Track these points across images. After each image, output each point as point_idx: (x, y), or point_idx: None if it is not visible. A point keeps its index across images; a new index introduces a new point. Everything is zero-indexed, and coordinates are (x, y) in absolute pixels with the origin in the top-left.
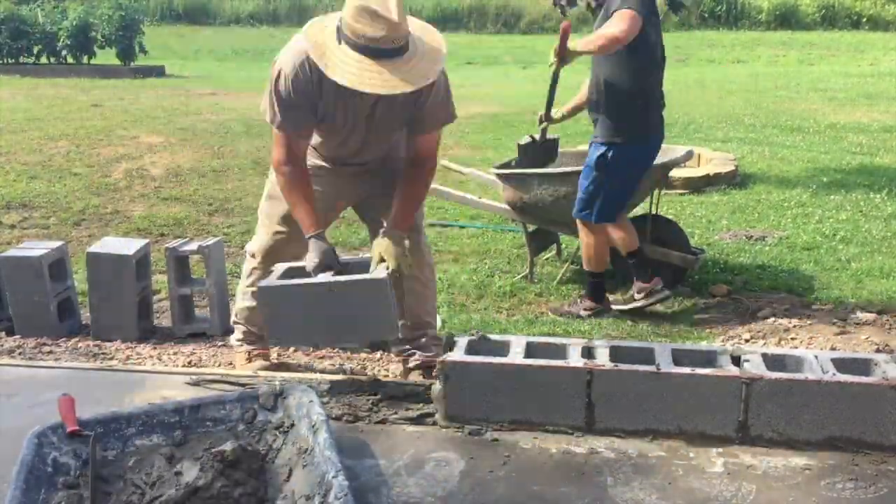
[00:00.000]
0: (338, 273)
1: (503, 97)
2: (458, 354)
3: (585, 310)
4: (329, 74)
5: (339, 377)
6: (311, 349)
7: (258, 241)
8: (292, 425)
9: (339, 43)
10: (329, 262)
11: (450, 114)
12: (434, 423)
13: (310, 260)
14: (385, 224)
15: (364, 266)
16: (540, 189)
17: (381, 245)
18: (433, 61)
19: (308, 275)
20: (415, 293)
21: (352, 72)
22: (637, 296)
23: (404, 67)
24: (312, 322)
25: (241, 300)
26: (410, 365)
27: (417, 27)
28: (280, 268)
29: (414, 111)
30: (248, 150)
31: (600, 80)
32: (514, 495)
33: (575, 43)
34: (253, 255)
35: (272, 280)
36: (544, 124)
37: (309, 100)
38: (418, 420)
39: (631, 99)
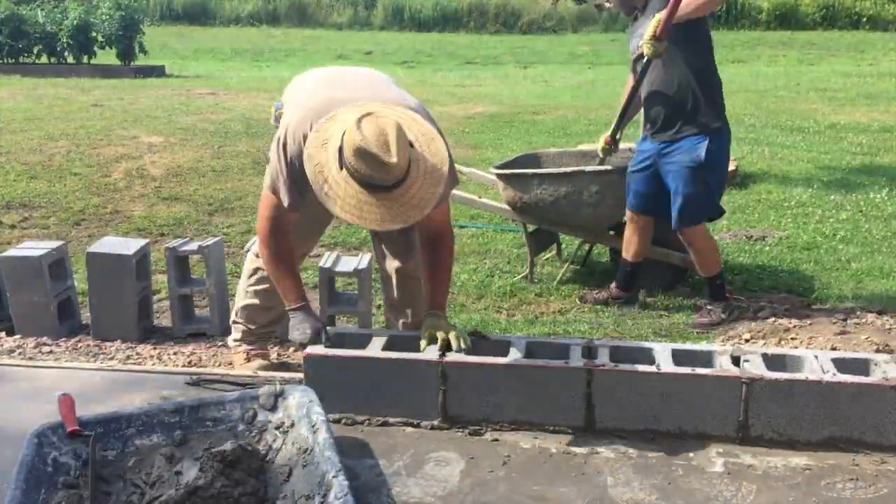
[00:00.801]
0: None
1: (503, 97)
2: (458, 354)
3: (723, 312)
4: (328, 206)
5: None
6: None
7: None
8: (292, 425)
9: (341, 168)
10: (318, 336)
11: (453, 182)
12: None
13: (299, 332)
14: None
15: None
16: (540, 189)
17: (433, 327)
18: (434, 182)
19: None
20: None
21: (353, 206)
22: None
23: (403, 199)
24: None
25: (243, 299)
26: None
27: (421, 139)
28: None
29: None
30: (248, 149)
31: (680, 70)
32: (514, 495)
33: (661, 17)
34: (257, 255)
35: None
36: (608, 152)
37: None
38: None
39: (718, 81)
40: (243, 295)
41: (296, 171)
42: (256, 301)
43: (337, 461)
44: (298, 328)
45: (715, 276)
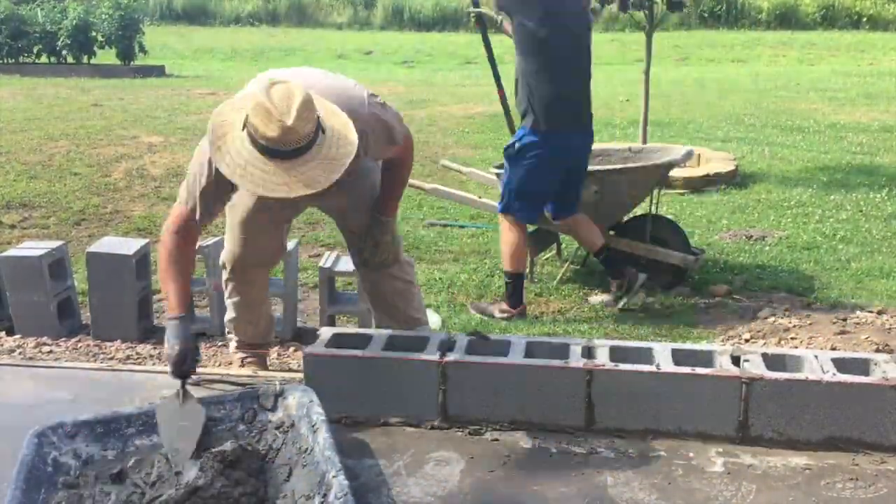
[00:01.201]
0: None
1: None
2: (458, 354)
3: (501, 311)
4: (215, 161)
5: None
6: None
7: (225, 251)
8: (292, 425)
9: (243, 129)
10: (189, 354)
11: (401, 133)
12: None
13: (168, 347)
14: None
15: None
16: None
17: (375, 229)
18: (329, 170)
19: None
20: (401, 293)
21: (241, 168)
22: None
23: (292, 171)
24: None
25: (227, 311)
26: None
27: (336, 126)
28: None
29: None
30: None
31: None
32: (514, 495)
33: None
34: (224, 266)
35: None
36: None
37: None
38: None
39: (540, 86)
40: (227, 307)
41: (218, 176)
42: (235, 314)
43: (337, 461)
44: (169, 341)
45: (509, 273)
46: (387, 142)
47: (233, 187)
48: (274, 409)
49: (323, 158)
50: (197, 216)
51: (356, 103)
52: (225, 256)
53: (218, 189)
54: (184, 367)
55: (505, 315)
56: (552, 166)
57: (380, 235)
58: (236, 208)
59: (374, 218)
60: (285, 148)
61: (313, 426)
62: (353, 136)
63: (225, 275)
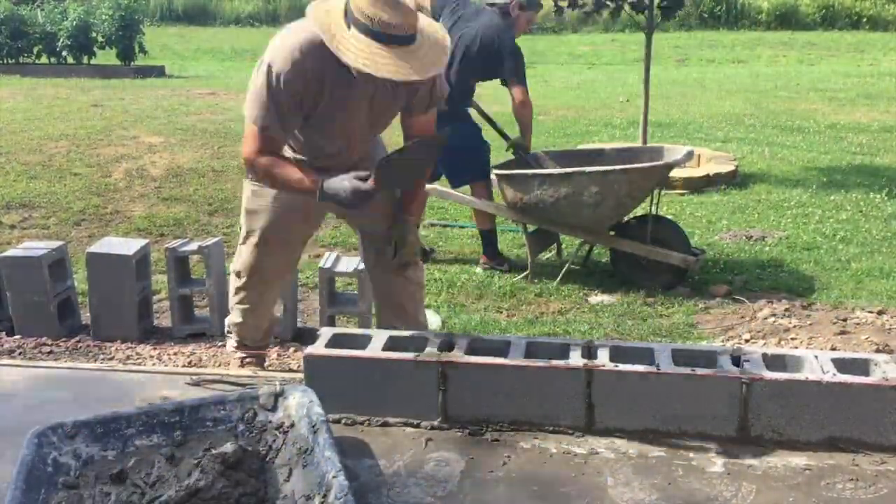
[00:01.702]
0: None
1: (503, 97)
2: (458, 354)
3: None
4: (344, 59)
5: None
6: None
7: (241, 259)
8: (292, 425)
9: (349, 28)
10: (359, 187)
11: (445, 89)
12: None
13: (343, 188)
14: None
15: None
16: (540, 189)
17: (400, 230)
18: (441, 51)
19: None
20: (412, 295)
21: (366, 57)
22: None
23: (416, 55)
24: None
25: (231, 315)
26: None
27: (421, 19)
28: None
29: (412, 97)
30: None
31: None
32: (514, 495)
33: None
34: (238, 275)
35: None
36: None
37: (304, 97)
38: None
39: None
40: (232, 310)
41: (280, 93)
42: (241, 320)
43: (337, 461)
44: (340, 194)
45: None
46: (440, 83)
47: (321, 89)
48: (274, 409)
49: (429, 42)
50: (270, 127)
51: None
52: (240, 266)
53: (302, 99)
54: (364, 187)
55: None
56: None
57: (406, 236)
58: (259, 218)
59: (398, 218)
60: (406, 32)
61: (313, 426)
62: (445, 37)
63: (237, 282)
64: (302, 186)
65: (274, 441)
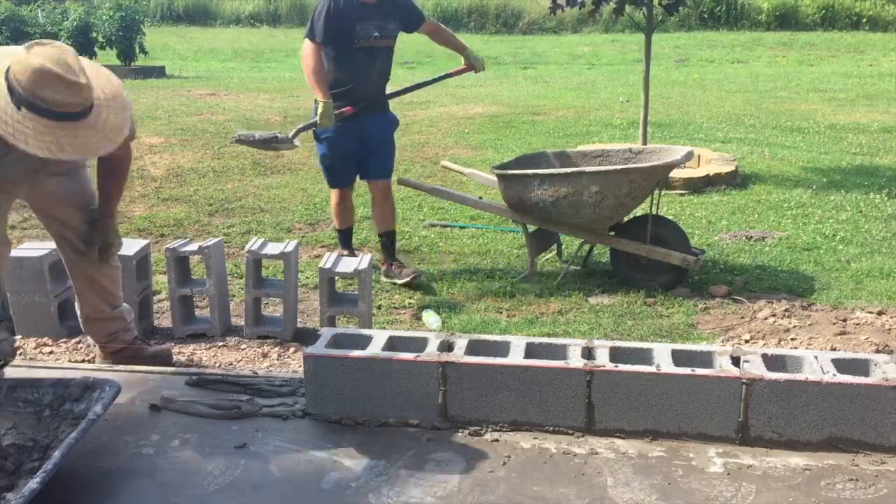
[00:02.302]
0: None
1: (503, 98)
2: (458, 355)
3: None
4: (17, 144)
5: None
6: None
7: None
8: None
9: (20, 109)
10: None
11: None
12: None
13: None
14: None
15: None
16: (540, 189)
17: (100, 230)
18: (121, 109)
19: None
20: (110, 276)
21: (46, 139)
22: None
23: (96, 127)
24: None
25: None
26: (110, 351)
27: (90, 70)
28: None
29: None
30: (248, 150)
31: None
32: (514, 495)
33: None
34: None
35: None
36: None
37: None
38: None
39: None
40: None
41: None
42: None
43: (51, 464)
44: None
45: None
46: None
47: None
48: (79, 400)
49: (107, 104)
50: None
51: (113, 78)
52: None
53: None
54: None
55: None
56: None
57: (110, 237)
58: None
59: (98, 220)
60: (80, 110)
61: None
62: (111, 75)
63: None
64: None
65: (63, 432)
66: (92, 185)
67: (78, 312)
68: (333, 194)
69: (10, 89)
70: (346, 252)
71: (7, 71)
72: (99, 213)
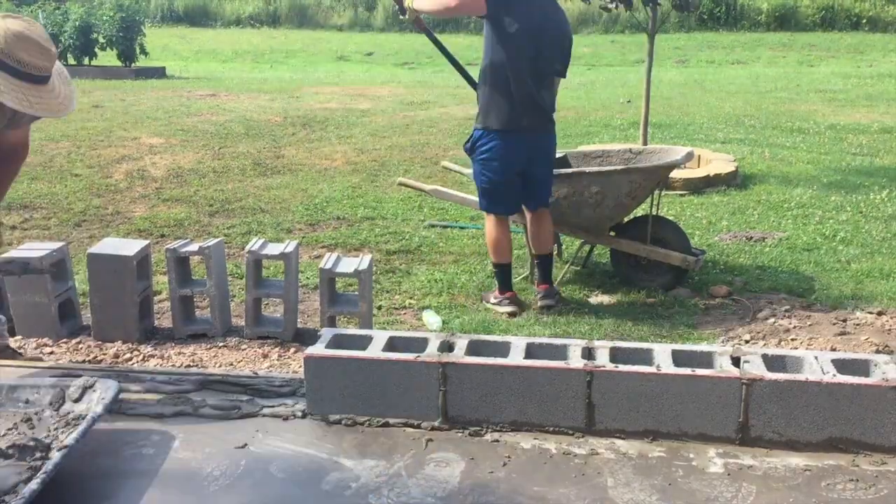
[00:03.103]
0: None
1: None
2: (458, 355)
3: (495, 298)
4: (4, 101)
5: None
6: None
7: None
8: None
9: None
10: None
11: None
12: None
13: None
14: None
15: None
16: None
17: None
18: (67, 82)
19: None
20: None
21: (20, 96)
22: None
23: (55, 93)
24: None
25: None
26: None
27: None
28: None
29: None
30: (249, 151)
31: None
32: (514, 495)
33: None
34: None
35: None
36: None
37: None
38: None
39: (492, 87)
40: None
41: None
42: None
43: (51, 465)
44: None
45: (496, 264)
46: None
47: None
48: (79, 400)
49: (56, 76)
50: None
51: None
52: None
53: None
54: None
55: (498, 301)
56: (506, 162)
57: None
58: None
59: None
60: (48, 73)
61: (77, 419)
62: (68, 76)
63: None
64: None
65: (62, 432)
66: None
67: None
68: (491, 223)
69: None
70: (503, 295)
71: None
72: None
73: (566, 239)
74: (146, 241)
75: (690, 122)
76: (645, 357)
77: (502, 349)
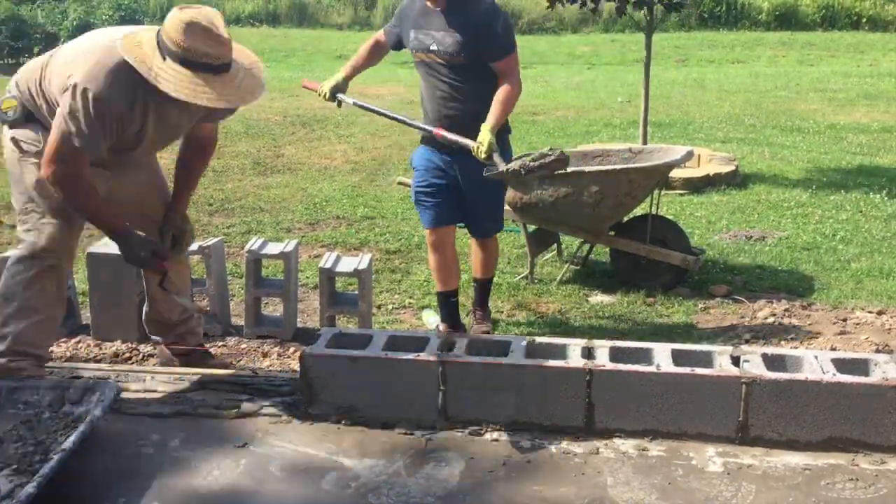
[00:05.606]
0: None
1: None
2: (458, 354)
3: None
4: (165, 90)
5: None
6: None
7: (37, 239)
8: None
9: (164, 59)
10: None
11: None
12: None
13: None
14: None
15: None
16: (540, 189)
17: (176, 228)
18: (257, 82)
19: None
20: (182, 274)
21: (184, 84)
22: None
23: (232, 83)
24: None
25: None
26: (175, 351)
27: (236, 49)
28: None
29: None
30: (248, 150)
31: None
32: (514, 495)
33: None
34: (32, 256)
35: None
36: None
37: (118, 119)
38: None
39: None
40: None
41: (99, 110)
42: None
43: (48, 469)
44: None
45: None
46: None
47: (132, 111)
48: (79, 402)
49: (244, 70)
50: (95, 148)
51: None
52: (35, 245)
53: (114, 118)
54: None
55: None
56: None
57: (183, 230)
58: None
59: (172, 212)
60: (223, 62)
61: (75, 422)
62: (260, 67)
63: (28, 267)
64: (110, 226)
65: (60, 434)
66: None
67: (145, 311)
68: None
69: (159, 43)
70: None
71: (159, 31)
72: (172, 204)
73: (566, 238)
74: None
75: (690, 122)
76: (644, 356)
77: (502, 349)
